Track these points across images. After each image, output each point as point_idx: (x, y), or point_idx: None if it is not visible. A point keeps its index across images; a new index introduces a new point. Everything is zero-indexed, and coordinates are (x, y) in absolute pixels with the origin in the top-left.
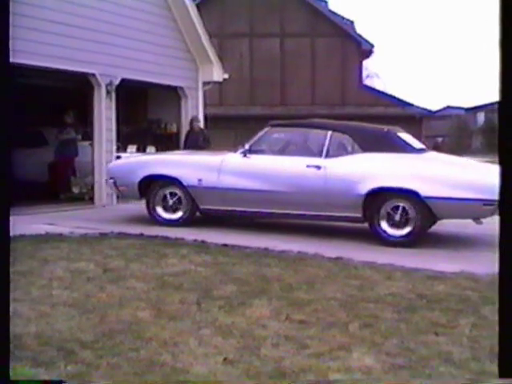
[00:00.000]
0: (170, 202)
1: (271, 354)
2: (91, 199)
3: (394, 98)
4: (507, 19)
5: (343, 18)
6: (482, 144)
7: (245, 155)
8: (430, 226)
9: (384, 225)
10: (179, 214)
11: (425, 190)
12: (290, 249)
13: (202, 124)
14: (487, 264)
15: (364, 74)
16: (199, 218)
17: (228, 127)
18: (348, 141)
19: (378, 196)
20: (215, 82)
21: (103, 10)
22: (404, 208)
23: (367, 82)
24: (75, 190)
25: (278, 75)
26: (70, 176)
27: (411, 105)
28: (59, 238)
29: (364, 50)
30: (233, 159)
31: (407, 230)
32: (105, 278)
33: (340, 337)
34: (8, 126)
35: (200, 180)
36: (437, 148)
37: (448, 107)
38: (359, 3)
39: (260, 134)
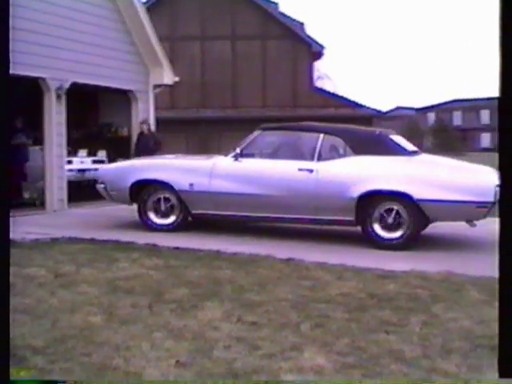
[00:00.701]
0: (162, 207)
1: (223, 355)
2: (42, 204)
3: (345, 99)
4: (507, 19)
5: (293, 19)
6: (432, 144)
7: (236, 159)
8: (423, 229)
9: (377, 228)
10: (172, 219)
11: (417, 192)
12: (241, 251)
13: (153, 127)
14: (438, 263)
15: (315, 75)
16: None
17: (179, 130)
18: (340, 144)
19: (371, 199)
20: (166, 85)
21: (52, 13)
22: (397, 211)
23: (318, 83)
24: (26, 195)
25: (229, 78)
26: (20, 181)
27: (362, 106)
28: (10, 244)
29: (314, 51)
30: (224, 163)
31: (400, 232)
32: (56, 283)
33: (291, 337)
34: (6, 128)
35: (191, 184)
36: None
37: (398, 108)
38: (309, 5)
39: (251, 137)
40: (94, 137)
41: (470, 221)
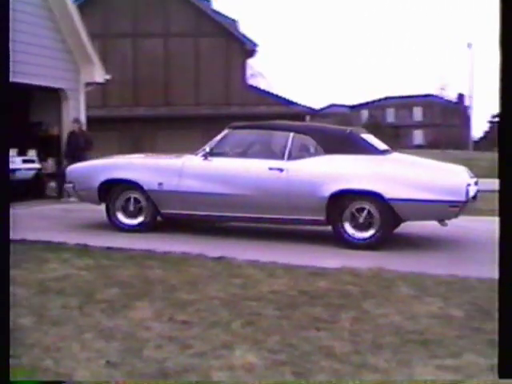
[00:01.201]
0: (131, 206)
1: (154, 355)
2: None
3: (278, 96)
4: (507, 19)
5: (226, 17)
6: None
7: (206, 158)
8: (394, 228)
9: (348, 227)
10: (140, 219)
11: (388, 191)
12: (173, 250)
13: (84, 126)
14: (368, 259)
15: (248, 73)
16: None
17: (111, 128)
18: (310, 142)
19: (342, 198)
20: (97, 83)
21: None
22: (368, 210)
23: (252, 81)
24: None
25: (161, 75)
26: None
27: (295, 103)
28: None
29: (247, 49)
30: (193, 162)
31: (371, 232)
32: None
33: (222, 335)
34: (6, 128)
35: (160, 184)
36: None
37: (332, 105)
38: (242, 2)
39: (220, 135)
40: (24, 136)
41: (441, 220)
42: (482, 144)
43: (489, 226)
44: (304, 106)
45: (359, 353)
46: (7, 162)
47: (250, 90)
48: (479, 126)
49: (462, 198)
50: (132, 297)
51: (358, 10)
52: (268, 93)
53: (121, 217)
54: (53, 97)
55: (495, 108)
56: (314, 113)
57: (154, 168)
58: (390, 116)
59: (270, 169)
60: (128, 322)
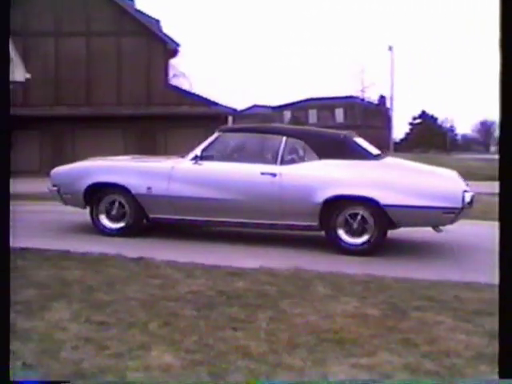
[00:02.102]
0: (115, 210)
1: (71, 356)
2: None
3: (200, 97)
4: (507, 19)
5: (149, 16)
6: None
7: (196, 162)
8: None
9: (341, 233)
10: (124, 223)
11: (384, 197)
12: (91, 250)
13: None
14: (286, 259)
15: (170, 73)
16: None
17: (33, 128)
18: (303, 147)
19: (336, 204)
20: (17, 82)
21: None
22: (362, 216)
23: (174, 81)
24: None
25: (83, 75)
26: None
27: (216, 104)
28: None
29: (170, 49)
30: (183, 166)
31: (365, 238)
32: None
33: (140, 336)
34: (7, 129)
35: (149, 188)
36: None
37: (255, 106)
38: (165, 2)
39: (211, 139)
40: None
41: (436, 226)
42: (402, 145)
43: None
44: (226, 107)
45: (275, 352)
46: (8, 163)
47: (171, 89)
48: (400, 128)
49: (458, 205)
50: (49, 298)
51: (282, 10)
52: (190, 93)
53: (104, 221)
54: None
55: (415, 110)
56: (237, 113)
57: (143, 172)
58: (313, 117)
59: (263, 173)
60: (45, 324)
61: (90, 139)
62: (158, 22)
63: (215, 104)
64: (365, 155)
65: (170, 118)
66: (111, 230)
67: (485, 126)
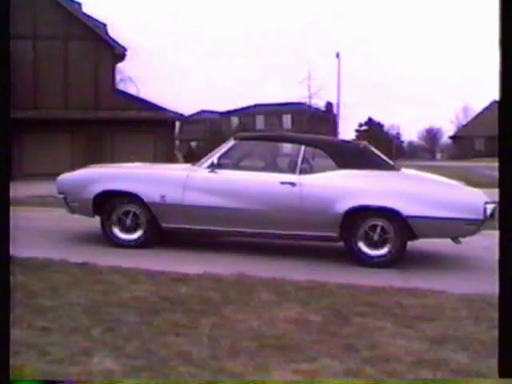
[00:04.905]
0: (129, 221)
1: (12, 361)
2: None
3: (147, 101)
4: (507, 19)
5: (97, 20)
6: None
7: (212, 170)
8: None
9: (361, 245)
10: (138, 234)
11: (406, 208)
12: (35, 255)
13: None
14: (231, 265)
15: (117, 77)
16: None
17: None
18: (322, 156)
19: (357, 215)
20: None
21: None
22: (382, 227)
23: (121, 85)
24: None
25: (30, 78)
26: None
27: (164, 109)
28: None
29: (117, 53)
30: (199, 174)
31: (385, 249)
32: None
33: (82, 342)
34: (8, 129)
35: (163, 196)
36: (191, 152)
37: (202, 111)
38: (113, 5)
39: (227, 146)
40: None
41: (456, 238)
42: None
43: None
44: (173, 112)
45: (217, 358)
46: (8, 163)
47: (118, 94)
48: (346, 135)
49: (480, 216)
50: None
51: (230, 13)
52: (137, 98)
53: (117, 231)
54: None
55: (362, 117)
56: (184, 118)
57: (156, 179)
58: (260, 123)
59: (282, 183)
60: None
61: (38, 143)
62: (104, 25)
63: (162, 109)
64: (384, 165)
65: (118, 122)
66: (125, 241)
67: (431, 133)
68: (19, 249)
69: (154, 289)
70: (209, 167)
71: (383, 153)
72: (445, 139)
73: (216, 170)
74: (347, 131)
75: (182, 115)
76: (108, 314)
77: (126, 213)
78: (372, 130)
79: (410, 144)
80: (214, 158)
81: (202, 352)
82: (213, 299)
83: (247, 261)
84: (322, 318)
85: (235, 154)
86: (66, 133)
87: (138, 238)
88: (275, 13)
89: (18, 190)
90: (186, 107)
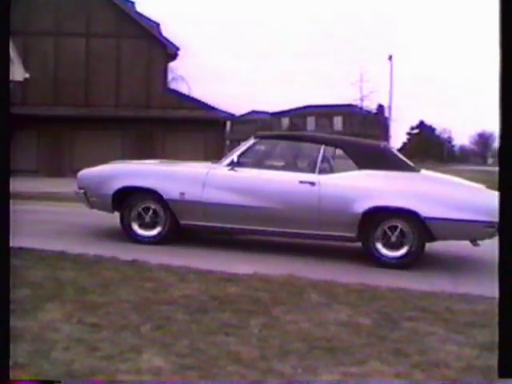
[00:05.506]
0: (148, 217)
1: (62, 357)
2: None
3: (198, 101)
4: (507, 19)
5: (150, 19)
6: None
7: (232, 168)
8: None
9: (379, 246)
10: (157, 231)
11: (425, 210)
12: (86, 252)
13: None
14: (281, 265)
15: (169, 76)
16: None
17: (31, 127)
18: (342, 156)
19: (376, 215)
20: (16, 82)
21: None
22: (401, 229)
23: (173, 84)
24: None
25: (82, 76)
26: None
27: (215, 108)
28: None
29: (170, 52)
30: (219, 172)
31: (403, 251)
32: None
33: (131, 339)
34: (8, 129)
35: (182, 193)
36: None
37: (253, 111)
38: (167, 5)
39: (247, 145)
40: None
41: (474, 240)
42: None
43: None
44: (224, 112)
45: (266, 358)
46: (8, 163)
47: (170, 93)
48: (398, 138)
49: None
50: (42, 298)
51: (282, 16)
52: (188, 97)
53: (136, 228)
54: None
55: (413, 120)
56: (235, 118)
57: (176, 176)
58: (311, 124)
59: (301, 182)
60: (37, 324)
61: (88, 140)
62: (158, 25)
63: (213, 109)
64: (404, 166)
65: (169, 121)
66: (144, 237)
67: (483, 138)
68: (71, 245)
69: (203, 288)
70: (229, 165)
71: (434, 156)
72: (497, 144)
73: (236, 168)
74: (398, 134)
75: (233, 115)
76: (157, 311)
77: (146, 209)
78: (423, 133)
79: (462, 148)
80: (234, 156)
81: (250, 352)
82: (262, 300)
83: (297, 262)
84: (371, 322)
85: (255, 152)
86: (117, 131)
87: (157, 234)
88: (328, 15)
89: (69, 186)
90: (237, 107)
